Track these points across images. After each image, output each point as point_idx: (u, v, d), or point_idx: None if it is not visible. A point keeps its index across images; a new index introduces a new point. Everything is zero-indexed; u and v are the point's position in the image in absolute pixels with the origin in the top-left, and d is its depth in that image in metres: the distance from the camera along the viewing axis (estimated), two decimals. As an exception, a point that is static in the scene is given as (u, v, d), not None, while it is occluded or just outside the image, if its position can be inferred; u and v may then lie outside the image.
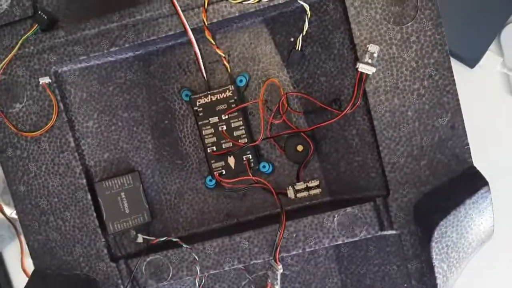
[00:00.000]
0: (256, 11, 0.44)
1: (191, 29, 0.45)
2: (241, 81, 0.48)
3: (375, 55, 0.43)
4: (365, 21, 0.44)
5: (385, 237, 0.48)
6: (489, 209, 0.43)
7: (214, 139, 0.48)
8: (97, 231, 0.48)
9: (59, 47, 0.46)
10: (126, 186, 0.49)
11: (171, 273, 0.48)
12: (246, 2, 0.44)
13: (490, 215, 0.43)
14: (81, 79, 0.49)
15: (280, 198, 0.49)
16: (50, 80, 0.47)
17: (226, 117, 0.48)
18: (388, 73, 0.44)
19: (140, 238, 0.50)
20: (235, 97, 0.48)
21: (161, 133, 0.51)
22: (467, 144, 0.44)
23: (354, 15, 0.44)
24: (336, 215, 0.46)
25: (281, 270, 0.47)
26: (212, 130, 0.48)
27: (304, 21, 0.46)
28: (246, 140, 0.48)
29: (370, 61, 0.43)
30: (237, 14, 0.44)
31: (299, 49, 0.47)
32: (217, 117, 0.48)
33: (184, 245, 0.47)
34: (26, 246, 0.49)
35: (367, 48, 0.43)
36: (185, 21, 0.44)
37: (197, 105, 0.48)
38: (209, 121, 0.48)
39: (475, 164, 0.44)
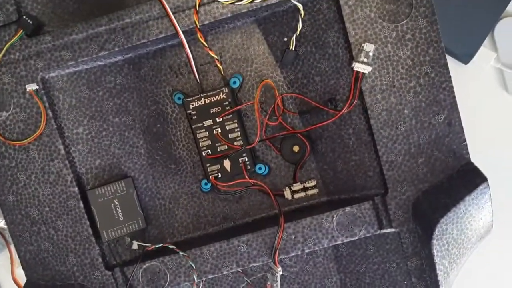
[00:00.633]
0: (248, 11, 0.44)
1: (182, 31, 0.44)
2: (234, 82, 0.48)
3: (371, 54, 0.43)
4: (360, 20, 0.43)
5: (384, 235, 0.48)
6: (488, 204, 0.43)
7: (209, 142, 0.48)
8: (91, 239, 0.47)
9: (46, 53, 0.45)
10: (119, 192, 0.48)
11: (168, 280, 0.47)
12: (238, 3, 0.43)
13: (489, 210, 0.43)
14: (69, 85, 0.47)
15: (277, 199, 0.48)
16: (37, 87, 0.45)
17: (221, 119, 0.47)
18: (384, 72, 0.44)
19: (135, 245, 0.49)
20: (229, 99, 0.47)
21: (154, 137, 0.50)
22: (464, 140, 0.44)
23: (348, 13, 0.43)
24: (335, 215, 0.45)
25: (281, 273, 0.46)
26: (207, 133, 0.47)
27: (298, 20, 0.45)
28: (241, 142, 0.48)
29: (365, 60, 0.43)
30: (229, 15, 0.43)
31: (293, 49, 0.46)
32: (211, 120, 0.47)
33: (181, 253, 0.46)
34: (17, 256, 0.48)
35: (363, 47, 0.43)
36: (176, 23, 0.43)
37: (191, 108, 0.47)
38: (203, 124, 0.47)
39: (471, 160, 0.44)
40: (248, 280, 0.51)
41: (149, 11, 0.44)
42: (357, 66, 0.43)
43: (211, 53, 0.46)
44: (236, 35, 0.48)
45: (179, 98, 0.48)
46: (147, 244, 0.48)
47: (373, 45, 0.43)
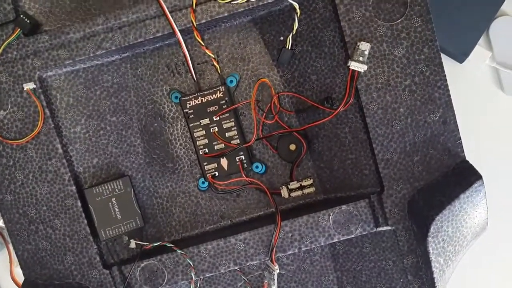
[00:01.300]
0: (245, 10, 0.44)
1: (179, 30, 0.44)
2: (231, 81, 0.48)
3: (366, 52, 0.43)
4: (355, 19, 0.43)
5: (380, 233, 0.48)
6: (483, 202, 0.43)
7: (206, 141, 0.48)
8: (89, 238, 0.47)
9: (43, 52, 0.45)
10: (117, 191, 0.48)
11: (166, 278, 0.47)
12: (234, 2, 0.43)
13: (484, 208, 0.43)
14: (67, 84, 0.47)
15: (274, 198, 0.48)
16: (34, 86, 0.45)
17: (218, 118, 0.47)
18: (380, 70, 0.44)
19: (133, 244, 0.49)
20: (226, 98, 0.47)
21: (151, 136, 0.50)
22: (459, 138, 0.45)
23: (343, 12, 0.43)
24: (331, 213, 0.46)
25: (278, 271, 0.47)
26: (204, 132, 0.48)
27: (294, 19, 0.45)
28: (238, 141, 0.48)
29: (361, 58, 0.43)
30: (226, 14, 0.44)
31: (289, 48, 0.46)
32: (208, 119, 0.47)
33: (179, 251, 0.46)
34: (15, 255, 0.48)
35: (358, 45, 0.43)
36: (173, 22, 0.43)
37: (188, 107, 0.47)
38: (200, 123, 0.48)
39: (466, 158, 0.45)
40: (245, 279, 0.52)
41: (146, 10, 0.44)
42: (353, 65, 0.43)
43: (208, 52, 0.46)
44: (232, 34, 0.48)
45: (176, 97, 0.48)
46: (145, 243, 0.48)
47: (368, 44, 0.43)
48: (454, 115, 0.44)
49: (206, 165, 0.48)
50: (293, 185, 0.49)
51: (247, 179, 0.48)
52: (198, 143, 0.48)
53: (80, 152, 0.48)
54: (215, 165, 0.48)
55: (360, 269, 0.50)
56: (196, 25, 0.44)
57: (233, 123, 0.47)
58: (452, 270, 0.45)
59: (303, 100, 0.47)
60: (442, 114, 0.44)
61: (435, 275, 0.43)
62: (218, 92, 0.47)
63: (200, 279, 0.50)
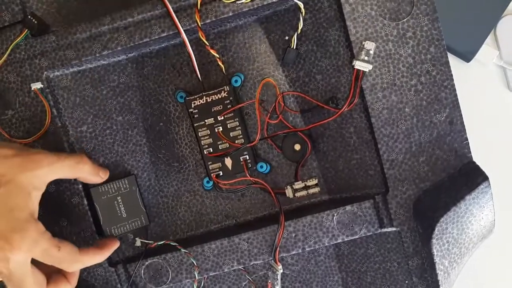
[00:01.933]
0: (250, 10, 0.44)
1: (184, 30, 0.44)
2: (236, 81, 0.48)
3: (371, 52, 0.43)
4: (361, 18, 0.43)
5: (385, 234, 0.48)
6: (490, 204, 0.42)
7: (210, 140, 0.48)
8: (95, 236, 0.48)
9: (50, 52, 0.46)
10: (123, 190, 0.48)
11: (170, 277, 0.48)
12: (239, 2, 0.43)
13: (491, 209, 0.43)
14: (73, 84, 0.48)
15: (278, 197, 0.48)
16: (42, 86, 0.46)
17: (222, 118, 0.47)
18: (385, 70, 0.44)
19: (138, 242, 0.49)
20: (231, 98, 0.47)
21: (157, 135, 0.50)
22: (466, 139, 0.44)
23: (349, 12, 0.43)
24: (335, 214, 0.45)
25: (281, 271, 0.47)
26: (208, 132, 0.48)
27: (299, 19, 0.45)
28: (242, 140, 0.48)
29: (366, 58, 0.43)
30: (230, 14, 0.44)
31: (295, 47, 0.46)
32: (213, 118, 0.48)
33: (183, 250, 0.46)
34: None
35: (363, 45, 0.43)
36: (178, 22, 0.44)
37: (192, 106, 0.48)
38: (205, 122, 0.48)
39: (473, 159, 0.44)
40: (249, 278, 0.52)
41: (151, 10, 0.44)
42: (358, 64, 0.43)
43: (213, 52, 0.46)
44: (238, 33, 0.48)
45: (181, 97, 0.49)
46: (150, 241, 0.49)
47: (373, 43, 0.43)
48: (461, 115, 0.44)
49: (210, 164, 0.48)
50: (298, 185, 0.49)
51: (251, 178, 0.48)
52: (202, 142, 0.48)
53: (86, 151, 0.48)
54: (220, 164, 0.48)
55: (365, 270, 0.50)
56: (201, 25, 0.44)
57: (237, 123, 0.47)
58: (458, 272, 0.44)
59: (308, 99, 0.47)
60: (449, 114, 0.44)
61: (439, 278, 0.42)
62: (223, 91, 0.47)
63: (204, 278, 0.50)
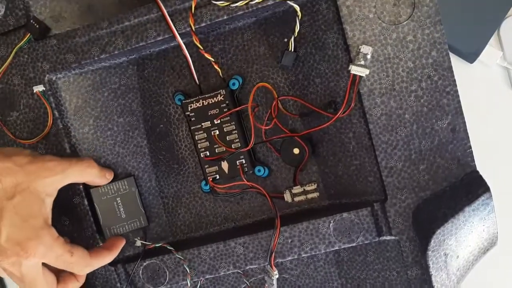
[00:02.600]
0: (246, 12, 0.43)
1: (181, 33, 0.44)
2: (234, 84, 0.47)
3: (368, 56, 0.41)
4: (358, 21, 0.42)
5: (384, 242, 0.46)
6: (492, 216, 0.40)
7: (207, 144, 0.48)
8: (95, 236, 0.49)
9: (51, 55, 0.46)
10: (122, 191, 0.49)
11: (167, 278, 0.48)
12: (234, 5, 0.42)
13: (493, 222, 0.41)
14: (75, 86, 0.49)
15: (277, 202, 0.48)
16: (44, 88, 0.47)
17: (219, 121, 0.47)
18: (384, 75, 0.42)
19: (138, 242, 0.50)
20: (227, 101, 0.47)
21: (157, 137, 0.51)
22: (470, 147, 0.42)
23: (346, 14, 0.42)
24: (332, 221, 0.45)
25: (277, 276, 0.46)
26: (205, 135, 0.48)
27: (296, 21, 0.44)
28: (239, 144, 0.47)
29: (363, 62, 0.42)
30: (225, 18, 0.43)
31: (292, 50, 0.45)
32: (209, 122, 0.47)
33: (177, 256, 0.47)
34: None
35: (360, 49, 0.41)
36: (172, 26, 0.43)
37: (189, 109, 0.48)
38: (202, 126, 0.48)
39: (477, 166, 0.42)
40: (247, 282, 0.52)
41: (147, 14, 0.44)
42: (354, 69, 0.41)
43: (207, 56, 0.46)
44: (237, 36, 0.48)
45: (179, 100, 0.49)
46: (148, 243, 0.49)
47: (370, 47, 0.41)
48: (464, 122, 0.42)
49: (207, 168, 0.48)
50: (297, 189, 0.48)
51: (247, 183, 0.48)
52: (199, 146, 0.48)
53: (88, 152, 0.49)
54: (216, 168, 0.48)
55: (364, 278, 0.49)
56: (197, 28, 0.44)
57: (234, 127, 0.47)
58: (458, 286, 0.43)
59: (305, 104, 0.46)
60: (451, 121, 0.42)
61: (436, 290, 0.41)
62: (219, 95, 0.47)
63: (201, 280, 0.51)
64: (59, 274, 0.45)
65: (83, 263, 0.43)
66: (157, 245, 0.49)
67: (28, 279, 0.41)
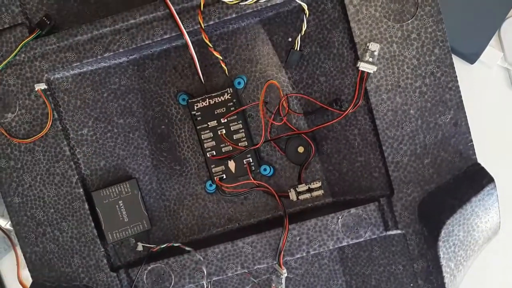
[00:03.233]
0: (253, 11, 0.43)
1: (187, 32, 0.44)
2: (239, 83, 0.47)
3: (376, 53, 0.43)
4: (365, 19, 0.43)
5: (389, 237, 0.47)
6: (495, 205, 0.42)
7: (214, 143, 0.47)
8: (96, 241, 0.47)
9: (51, 54, 0.45)
10: (124, 194, 0.48)
11: (173, 281, 0.47)
12: (243, 3, 0.43)
13: (496, 211, 0.43)
14: (74, 86, 0.47)
15: (282, 201, 0.48)
16: (46, 86, 0.45)
17: (225, 120, 0.47)
18: (390, 72, 0.43)
19: (140, 247, 0.48)
20: (234, 100, 0.47)
21: (158, 138, 0.50)
22: (471, 141, 0.44)
23: (353, 13, 0.43)
24: (340, 217, 0.45)
25: (286, 274, 0.46)
26: (211, 134, 0.47)
27: (302, 20, 0.45)
28: (246, 143, 0.47)
29: (370, 59, 0.43)
30: (234, 16, 0.43)
31: (298, 49, 0.46)
32: (216, 121, 0.47)
33: (187, 248, 0.45)
34: (22, 258, 0.48)
35: (368, 46, 0.43)
36: (181, 24, 0.43)
37: (195, 109, 0.47)
38: (208, 125, 0.47)
39: (478, 161, 0.44)
40: (254, 281, 0.51)
41: (153, 12, 0.44)
42: (362, 66, 0.43)
43: (216, 54, 0.46)
44: (240, 35, 0.48)
45: (183, 99, 0.48)
46: (152, 245, 0.48)
47: (378, 45, 0.43)
48: (465, 117, 0.44)
49: (213, 167, 0.48)
50: (302, 187, 0.48)
51: (254, 181, 0.47)
52: (205, 145, 0.48)
53: (87, 154, 0.48)
54: (223, 167, 0.48)
55: (370, 273, 0.50)
56: (204, 26, 0.44)
57: (241, 125, 0.47)
58: (463, 275, 0.44)
59: (312, 101, 0.47)
60: (454, 116, 0.44)
61: (445, 280, 0.42)
62: (225, 94, 0.47)
63: (210, 282, 0.50)
64: None
65: None
66: (162, 246, 0.48)
67: None
